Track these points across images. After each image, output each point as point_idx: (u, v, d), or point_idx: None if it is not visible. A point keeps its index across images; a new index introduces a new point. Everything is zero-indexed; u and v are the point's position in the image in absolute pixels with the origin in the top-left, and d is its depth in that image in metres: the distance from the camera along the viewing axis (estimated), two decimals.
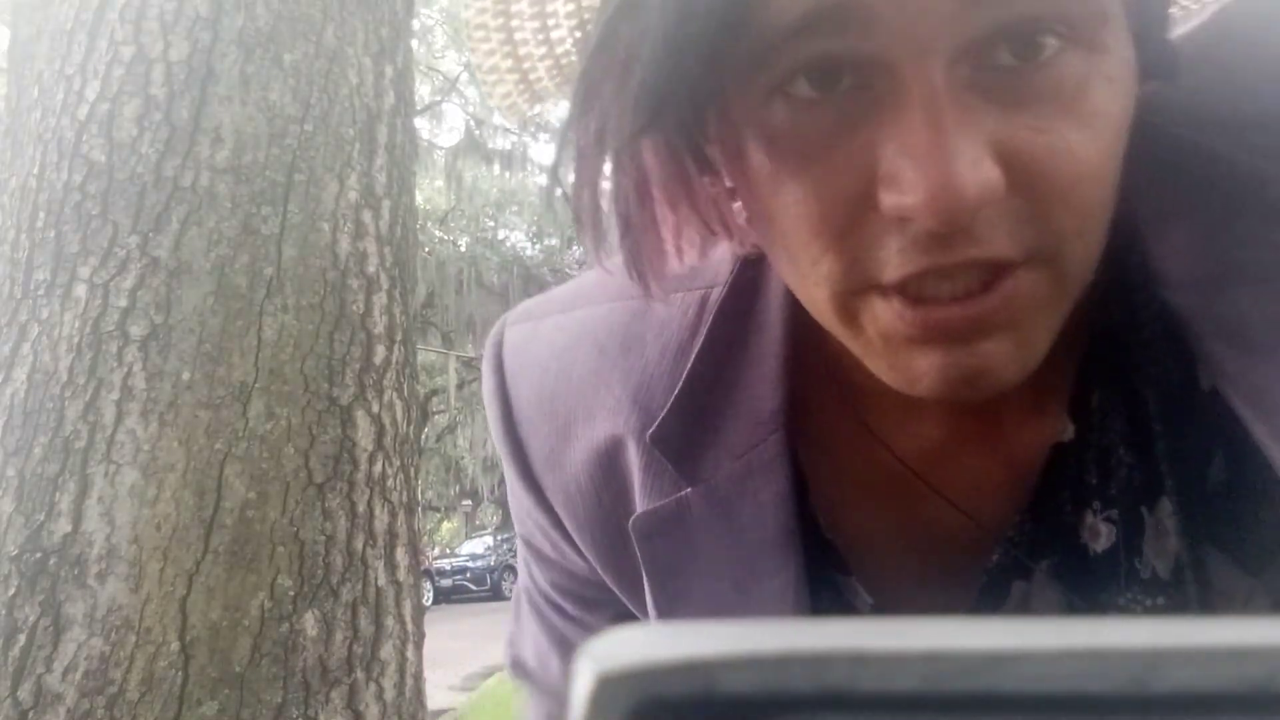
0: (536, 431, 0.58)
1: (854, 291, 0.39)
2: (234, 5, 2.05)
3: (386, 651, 2.02)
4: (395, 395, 2.14)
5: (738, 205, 0.45)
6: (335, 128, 2.12)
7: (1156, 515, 0.47)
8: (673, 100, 0.37)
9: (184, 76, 2.00)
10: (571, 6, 0.45)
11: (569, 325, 0.58)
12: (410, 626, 2.10)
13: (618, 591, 0.59)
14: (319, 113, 2.10)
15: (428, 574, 15.63)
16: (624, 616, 0.59)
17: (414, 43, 3.26)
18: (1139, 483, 0.47)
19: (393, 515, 2.09)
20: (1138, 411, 0.47)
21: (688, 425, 0.51)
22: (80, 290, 1.92)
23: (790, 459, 0.50)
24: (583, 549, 0.58)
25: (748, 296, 0.52)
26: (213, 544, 1.84)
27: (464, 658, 8.72)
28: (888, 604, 0.53)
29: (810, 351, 0.51)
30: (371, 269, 2.13)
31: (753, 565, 0.50)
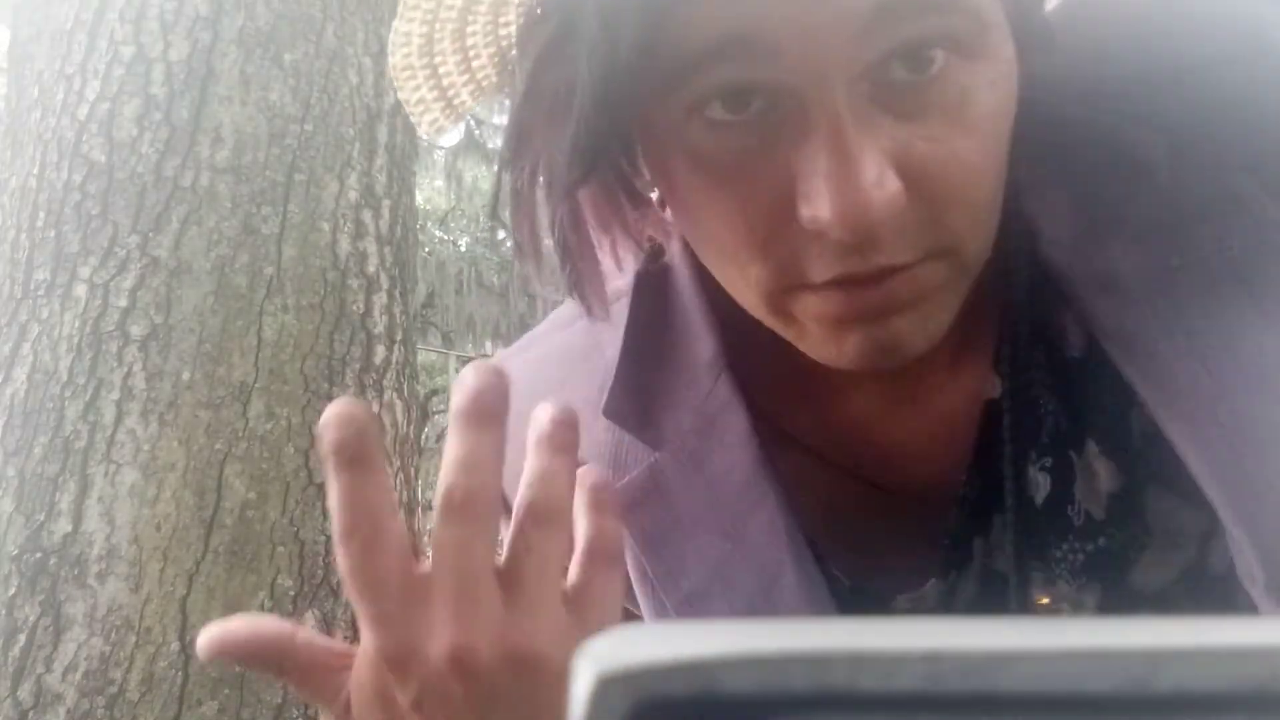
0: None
1: (784, 290, 0.43)
2: (234, 5, 2.05)
3: None
4: (395, 395, 2.14)
5: (669, 214, 0.48)
6: (335, 128, 2.12)
7: (1085, 458, 0.49)
8: (606, 150, 0.41)
9: (184, 76, 2.00)
10: (490, 38, 0.47)
11: (534, 356, 0.61)
12: None
13: None
14: (319, 113, 2.10)
15: None
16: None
17: None
18: (1065, 428, 0.49)
19: None
20: (1055, 361, 0.49)
21: (637, 393, 0.53)
22: (80, 290, 1.92)
23: (744, 398, 0.52)
24: None
25: (660, 271, 0.55)
26: (213, 544, 1.84)
27: None
28: (863, 579, 0.54)
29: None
30: (371, 269, 2.13)
31: (735, 508, 0.52)
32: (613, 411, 0.53)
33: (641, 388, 0.53)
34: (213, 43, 2.03)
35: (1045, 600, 0.50)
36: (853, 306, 0.41)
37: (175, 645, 1.78)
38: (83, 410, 1.86)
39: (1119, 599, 0.50)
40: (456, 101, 0.49)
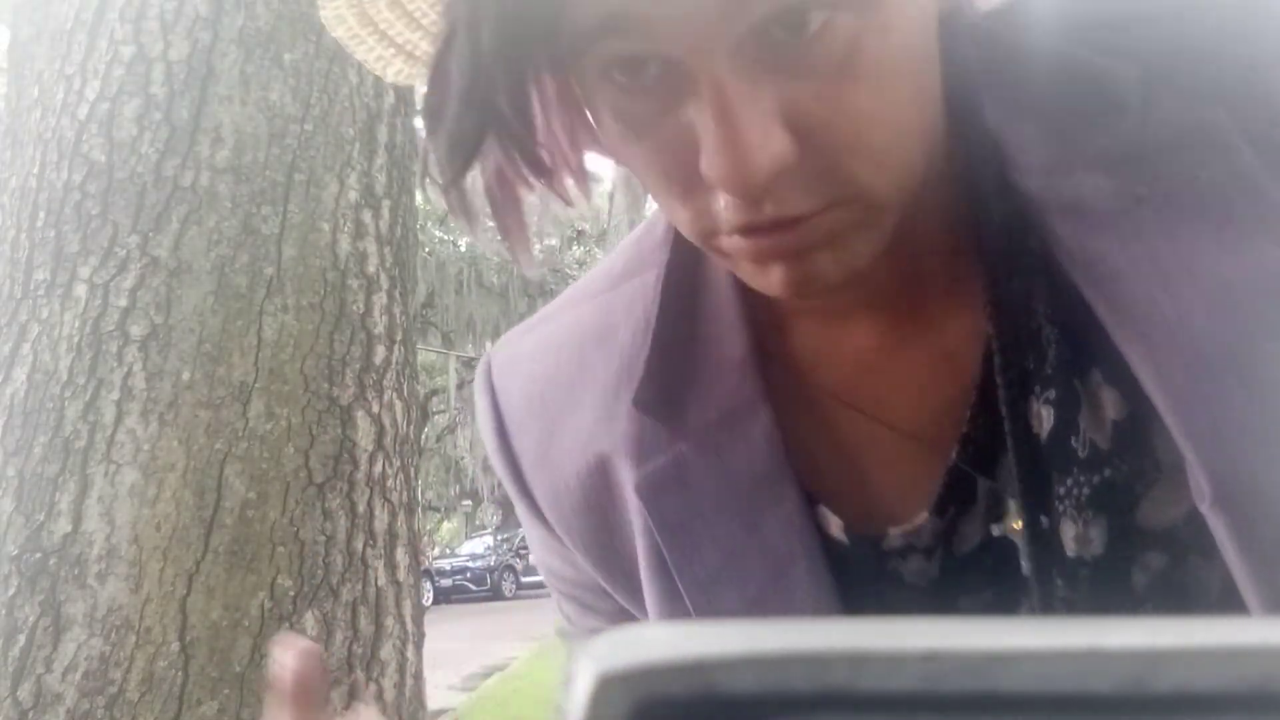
0: (526, 433, 0.60)
1: (708, 234, 0.45)
2: (234, 5, 2.05)
3: (386, 651, 2.02)
4: (395, 395, 2.14)
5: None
6: (335, 128, 2.12)
7: (1090, 387, 0.49)
8: (485, 142, 0.42)
9: (184, 76, 2.00)
10: None
11: (548, 335, 0.61)
12: (410, 626, 2.11)
13: (612, 590, 0.59)
14: (319, 113, 2.10)
15: (428, 574, 15.62)
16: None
17: None
18: (1068, 356, 0.49)
19: (393, 515, 2.09)
20: (1055, 290, 0.49)
21: (665, 384, 0.54)
22: (80, 290, 1.92)
23: (768, 396, 0.53)
24: (573, 549, 0.59)
25: (691, 260, 0.55)
26: (213, 544, 1.84)
27: (464, 658, 8.73)
28: (856, 519, 0.53)
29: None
30: (371, 269, 2.13)
31: (755, 500, 0.52)
32: (642, 402, 0.54)
33: (669, 377, 0.54)
34: (213, 43, 2.03)
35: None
36: (766, 250, 0.43)
37: (175, 645, 1.78)
38: (83, 410, 1.86)
39: (1126, 535, 0.49)
40: (418, 53, 0.50)
